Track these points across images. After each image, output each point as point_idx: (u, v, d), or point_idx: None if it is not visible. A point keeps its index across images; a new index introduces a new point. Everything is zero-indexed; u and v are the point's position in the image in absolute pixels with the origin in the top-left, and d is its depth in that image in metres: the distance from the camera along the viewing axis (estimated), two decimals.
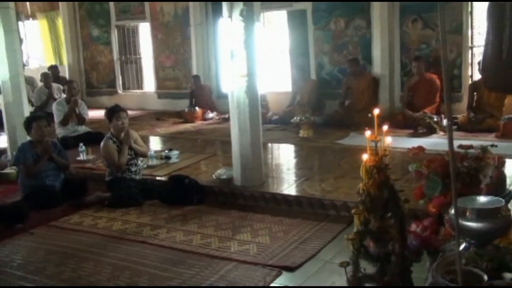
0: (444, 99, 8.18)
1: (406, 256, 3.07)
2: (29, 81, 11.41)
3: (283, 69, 10.71)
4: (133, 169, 5.90)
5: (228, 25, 5.56)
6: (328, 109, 9.19)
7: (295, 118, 8.20)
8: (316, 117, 8.46)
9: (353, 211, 2.90)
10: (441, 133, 7.60)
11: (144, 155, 6.19)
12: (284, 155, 7.43)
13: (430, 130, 7.73)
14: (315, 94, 9.29)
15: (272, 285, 3.81)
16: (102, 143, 5.82)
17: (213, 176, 5.93)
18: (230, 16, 5.49)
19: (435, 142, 6.96)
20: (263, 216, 5.12)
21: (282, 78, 10.75)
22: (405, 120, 8.12)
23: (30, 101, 10.12)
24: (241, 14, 5.42)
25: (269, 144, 7.67)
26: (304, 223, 4.88)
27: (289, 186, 5.72)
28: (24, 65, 9.49)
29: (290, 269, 4.00)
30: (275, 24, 11.01)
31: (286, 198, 5.36)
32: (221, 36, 10.39)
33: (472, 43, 8.69)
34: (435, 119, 7.76)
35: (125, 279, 3.95)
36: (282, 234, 4.66)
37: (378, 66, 8.99)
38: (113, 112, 5.81)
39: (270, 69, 10.74)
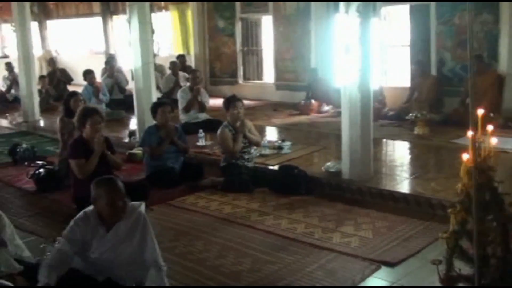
0: None
1: (509, 261, 3.01)
2: (159, 69, 12.24)
3: (402, 64, 10.52)
4: (246, 156, 6.18)
5: (344, 20, 5.64)
6: (447, 107, 8.91)
7: (410, 114, 8.06)
8: (433, 114, 8.25)
9: (449, 210, 2.91)
10: None
11: (258, 144, 6.45)
12: (396, 152, 7.37)
13: None
14: (434, 91, 9.04)
15: (370, 278, 3.89)
16: (219, 131, 6.16)
17: (323, 168, 6.06)
18: (347, 12, 5.57)
19: None
20: (368, 211, 5.17)
21: (401, 73, 10.57)
22: None
23: (158, 88, 10.86)
24: (357, 10, 5.47)
25: (383, 140, 7.63)
26: (409, 221, 4.86)
27: (397, 183, 5.71)
28: (154, 55, 10.17)
29: (390, 264, 4.04)
30: (396, 18, 10.82)
31: (393, 194, 5.37)
32: (336, 30, 10.40)
33: None
34: None
35: (231, 259, 4.22)
36: (386, 230, 4.69)
37: (504, 63, 8.55)
38: (230, 101, 6.13)
39: (389, 64, 10.59)
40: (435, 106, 8.84)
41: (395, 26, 10.83)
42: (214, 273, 4.00)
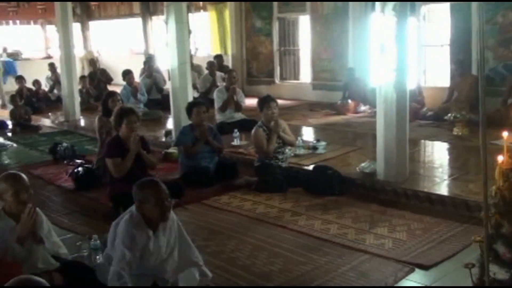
0: None
1: None
2: (197, 69, 12.36)
3: (442, 64, 10.32)
4: (280, 156, 6.17)
5: (380, 19, 5.57)
6: (488, 107, 8.65)
7: (449, 115, 7.90)
8: (473, 115, 8.05)
9: (483, 213, 2.84)
10: None
11: (292, 144, 6.43)
12: (434, 153, 7.24)
13: None
14: (474, 91, 8.81)
15: (403, 281, 3.83)
16: (253, 131, 6.17)
17: (357, 169, 6.00)
18: (383, 11, 5.50)
19: None
20: (403, 212, 5.10)
21: (440, 73, 10.36)
22: None
23: (195, 87, 10.98)
24: (393, 9, 5.40)
25: (421, 141, 7.52)
26: (445, 223, 4.78)
27: (434, 185, 5.60)
28: (191, 55, 10.24)
29: (424, 267, 3.98)
30: (437, 17, 10.62)
31: (429, 196, 5.27)
32: (373, 30, 10.27)
33: None
34: None
35: (263, 259, 4.23)
36: (421, 232, 4.61)
37: None
38: (264, 102, 6.13)
39: (429, 63, 10.40)
40: (476, 106, 8.62)
41: (436, 25, 10.63)
42: (245, 273, 4.01)
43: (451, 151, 7.15)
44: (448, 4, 9.70)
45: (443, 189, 5.48)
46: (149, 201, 3.39)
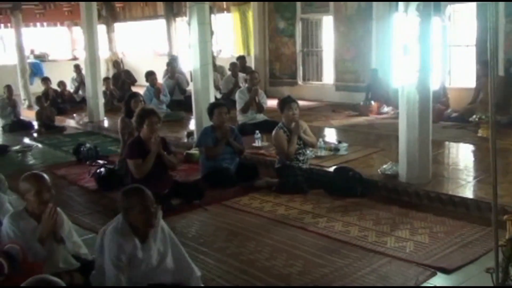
0: None
1: None
2: (219, 70, 12.39)
3: (467, 64, 10.16)
4: (301, 158, 6.13)
5: (403, 19, 5.51)
6: None
7: (474, 116, 7.78)
8: (498, 116, 7.91)
9: (505, 216, 2.78)
10: None
11: (313, 146, 6.38)
12: (458, 155, 7.14)
13: None
14: (501, 92, 8.66)
15: (424, 284, 3.77)
16: (273, 132, 6.14)
17: (379, 170, 5.95)
18: (406, 11, 5.44)
19: None
20: (425, 215, 5.03)
21: (466, 74, 10.21)
22: None
23: (218, 89, 11.00)
24: (417, 9, 5.33)
25: (445, 142, 7.42)
26: (469, 226, 4.70)
27: (457, 187, 5.51)
28: (213, 56, 10.26)
29: (446, 271, 3.92)
30: (462, 17, 10.46)
31: (452, 198, 5.19)
32: (396, 30, 10.16)
33: None
34: None
35: (282, 261, 4.20)
36: (443, 235, 4.55)
37: None
38: (285, 103, 6.10)
39: (454, 64, 10.25)
40: (502, 107, 8.48)
41: (461, 25, 10.48)
42: (264, 275, 4.00)
43: (475, 153, 7.03)
44: (474, 4, 9.55)
45: (467, 192, 5.39)
46: (135, 208, 3.35)
